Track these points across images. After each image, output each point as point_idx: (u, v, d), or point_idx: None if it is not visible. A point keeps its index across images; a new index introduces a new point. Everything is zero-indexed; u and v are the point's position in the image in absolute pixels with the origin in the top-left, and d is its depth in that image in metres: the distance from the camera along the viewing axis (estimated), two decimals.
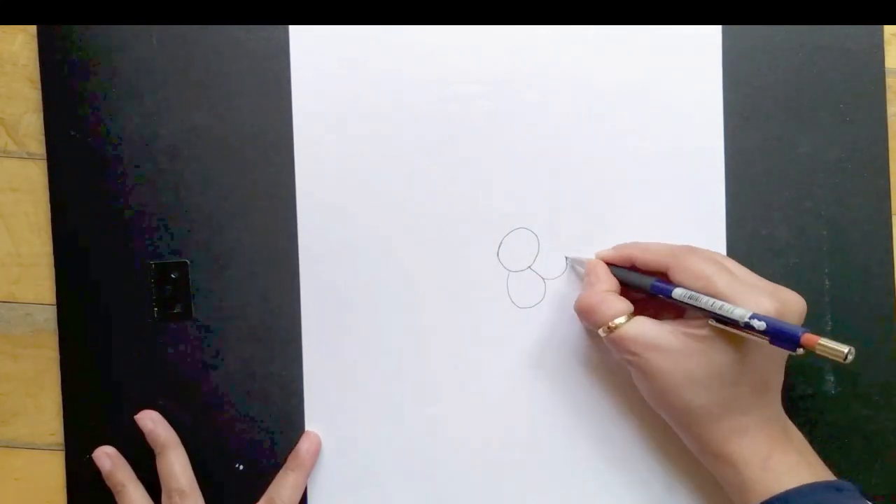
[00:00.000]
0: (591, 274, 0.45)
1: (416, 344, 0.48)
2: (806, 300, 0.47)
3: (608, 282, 0.44)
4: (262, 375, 0.48)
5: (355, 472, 0.48)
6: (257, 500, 0.47)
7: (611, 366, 0.47)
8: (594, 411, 0.48)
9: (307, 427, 0.48)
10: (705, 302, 0.40)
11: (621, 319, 0.42)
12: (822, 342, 0.36)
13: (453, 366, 0.48)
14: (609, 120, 0.47)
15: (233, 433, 0.48)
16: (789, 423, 0.43)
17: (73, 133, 0.48)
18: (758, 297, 0.39)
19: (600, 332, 0.43)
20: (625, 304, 0.43)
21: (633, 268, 0.45)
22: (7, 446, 0.49)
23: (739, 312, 0.38)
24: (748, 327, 0.38)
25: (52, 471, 0.49)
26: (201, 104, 0.48)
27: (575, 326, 0.48)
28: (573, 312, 0.46)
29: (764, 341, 0.38)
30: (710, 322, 0.40)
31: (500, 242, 0.48)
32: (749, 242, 0.48)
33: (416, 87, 0.47)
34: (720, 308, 0.39)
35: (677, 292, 0.41)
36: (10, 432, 0.49)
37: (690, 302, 0.40)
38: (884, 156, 0.48)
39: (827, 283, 0.48)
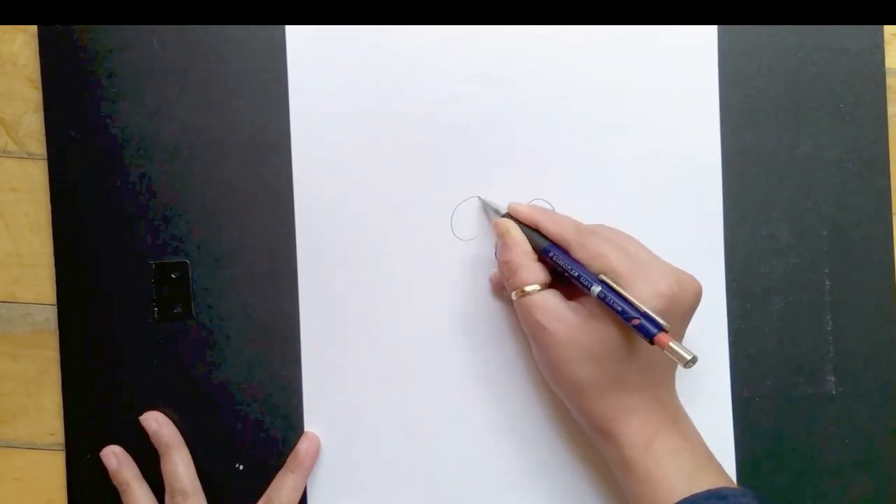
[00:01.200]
0: (506, 234, 0.45)
1: (415, 343, 0.48)
2: (806, 300, 0.48)
3: (526, 245, 0.44)
4: (261, 375, 0.48)
5: (355, 472, 0.48)
6: (256, 500, 0.47)
7: None
8: None
9: (307, 427, 0.48)
10: (568, 268, 0.42)
11: (535, 287, 0.43)
12: (670, 346, 0.38)
13: (453, 364, 0.48)
14: (605, 120, 0.47)
15: (233, 433, 0.48)
16: (682, 410, 0.44)
17: (73, 133, 0.48)
18: (651, 277, 0.40)
19: (513, 294, 0.43)
20: (543, 275, 0.43)
21: (537, 231, 0.45)
22: (7, 446, 0.49)
23: (595, 289, 0.40)
24: (600, 297, 0.40)
25: (52, 471, 0.49)
26: (201, 104, 0.48)
27: None
28: None
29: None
30: (592, 292, 0.41)
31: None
32: (749, 242, 0.48)
33: (412, 87, 0.48)
34: (582, 281, 0.41)
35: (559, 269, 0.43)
36: (10, 432, 0.49)
37: (568, 276, 0.42)
38: (884, 156, 0.48)
39: (827, 283, 0.48)
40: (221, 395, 0.48)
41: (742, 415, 0.48)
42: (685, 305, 0.41)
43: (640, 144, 0.48)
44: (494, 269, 0.47)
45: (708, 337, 0.47)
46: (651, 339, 0.38)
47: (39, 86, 0.48)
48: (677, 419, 0.43)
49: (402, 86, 0.47)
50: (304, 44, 0.47)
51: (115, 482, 0.47)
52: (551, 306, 0.42)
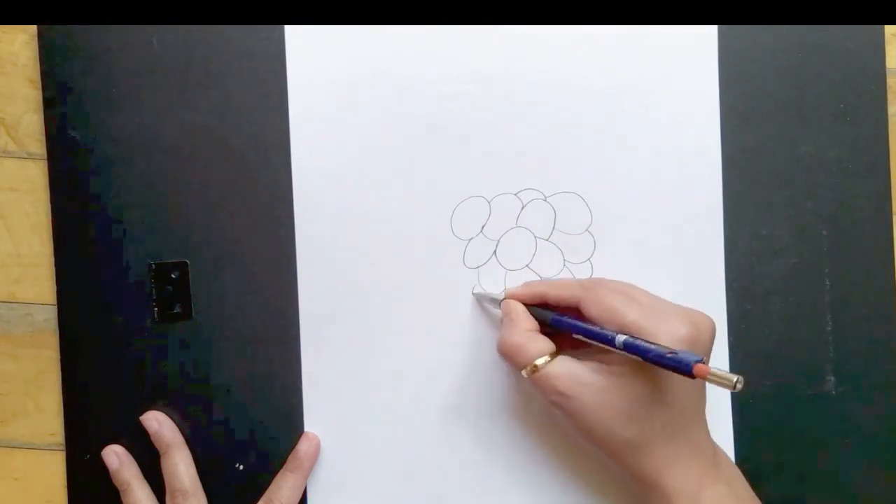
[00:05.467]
0: (509, 314, 0.45)
1: (415, 344, 0.48)
2: (806, 300, 0.48)
3: (528, 321, 0.44)
4: (261, 375, 0.48)
5: (355, 472, 0.48)
6: (256, 500, 0.47)
7: None
8: None
9: (306, 427, 0.48)
10: (600, 337, 0.41)
11: (545, 359, 0.42)
12: (713, 372, 0.36)
13: (452, 365, 0.48)
14: (605, 120, 0.47)
15: (233, 433, 0.48)
16: (719, 449, 0.43)
17: (72, 133, 0.48)
18: (670, 324, 0.40)
19: (523, 372, 0.43)
20: (547, 344, 0.43)
21: (545, 305, 0.45)
22: (7, 446, 0.49)
23: (620, 339, 0.39)
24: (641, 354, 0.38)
25: (52, 471, 0.49)
26: (201, 104, 0.48)
27: None
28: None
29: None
30: (618, 344, 0.40)
31: (498, 242, 0.48)
32: (749, 242, 0.48)
33: (412, 87, 0.47)
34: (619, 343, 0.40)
35: (575, 335, 0.42)
36: (10, 432, 0.49)
37: (587, 339, 0.42)
38: (884, 155, 0.48)
39: (827, 283, 0.48)
40: (221, 395, 0.48)
41: (742, 415, 0.48)
42: (705, 346, 0.41)
43: (640, 144, 0.47)
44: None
45: None
46: (690, 372, 0.36)
47: (39, 86, 0.48)
48: (717, 462, 0.42)
49: (402, 86, 0.47)
50: (304, 44, 0.47)
51: (115, 482, 0.47)
52: (569, 372, 0.41)
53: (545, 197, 0.48)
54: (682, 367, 0.37)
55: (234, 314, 0.48)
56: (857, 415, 0.47)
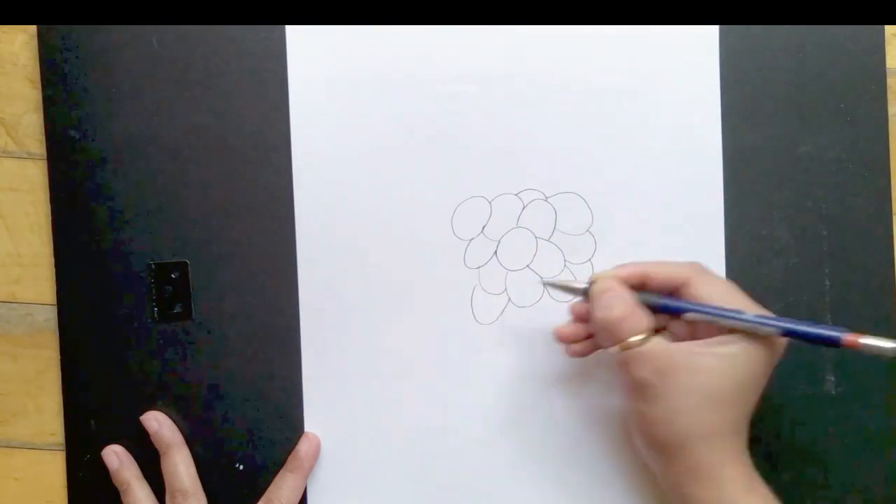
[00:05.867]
0: (606, 290, 0.41)
1: (415, 344, 0.48)
2: (806, 300, 0.48)
3: (628, 296, 0.41)
4: (261, 375, 0.48)
5: (355, 473, 0.48)
6: (256, 500, 0.47)
7: (611, 367, 0.47)
8: (593, 410, 0.48)
9: (307, 428, 0.48)
10: (726, 313, 0.40)
11: (643, 336, 0.40)
12: (866, 343, 0.36)
13: (452, 365, 0.48)
14: (606, 120, 0.47)
15: (233, 433, 0.48)
16: None
17: (72, 133, 0.48)
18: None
19: (615, 348, 0.41)
20: (650, 320, 0.41)
21: (643, 286, 0.42)
22: (7, 446, 0.49)
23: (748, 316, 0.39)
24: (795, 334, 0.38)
25: (52, 471, 0.49)
26: (201, 104, 0.48)
27: None
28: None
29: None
30: (750, 319, 0.39)
31: (499, 242, 0.48)
32: (749, 242, 0.48)
33: (412, 87, 0.47)
34: (747, 319, 0.39)
35: (689, 315, 0.40)
36: (10, 432, 0.49)
37: (709, 317, 0.40)
38: (884, 155, 0.48)
39: (827, 283, 0.48)
40: (221, 395, 0.48)
41: None
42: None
43: (641, 144, 0.47)
44: (559, 325, 0.45)
45: None
46: (837, 342, 0.36)
47: (39, 86, 0.48)
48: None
49: (402, 85, 0.47)
50: (304, 44, 0.47)
51: (115, 482, 0.47)
52: (667, 352, 0.39)
53: (546, 197, 0.48)
54: (830, 339, 0.37)
55: (234, 314, 0.48)
56: (857, 415, 0.47)
